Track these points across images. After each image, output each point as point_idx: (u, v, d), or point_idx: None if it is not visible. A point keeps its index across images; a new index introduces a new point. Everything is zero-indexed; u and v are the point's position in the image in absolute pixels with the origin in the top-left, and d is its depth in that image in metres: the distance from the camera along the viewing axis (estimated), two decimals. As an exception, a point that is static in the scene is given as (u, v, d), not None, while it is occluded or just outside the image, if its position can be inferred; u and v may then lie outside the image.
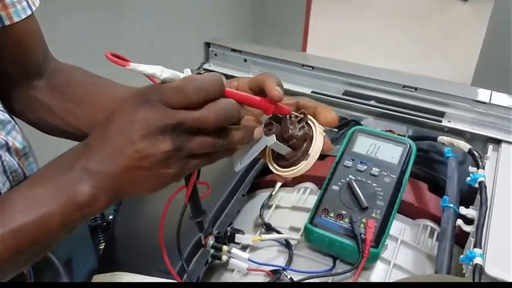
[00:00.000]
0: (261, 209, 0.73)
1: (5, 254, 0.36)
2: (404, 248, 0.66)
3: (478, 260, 0.49)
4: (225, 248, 0.62)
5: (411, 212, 0.70)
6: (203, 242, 0.60)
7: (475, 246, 0.51)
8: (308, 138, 0.42)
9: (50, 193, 0.37)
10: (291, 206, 0.73)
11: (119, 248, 0.60)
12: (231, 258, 0.62)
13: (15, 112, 0.59)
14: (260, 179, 0.84)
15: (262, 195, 0.79)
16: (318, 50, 2.34)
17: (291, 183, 0.78)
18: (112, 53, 0.35)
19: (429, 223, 0.69)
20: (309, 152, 0.42)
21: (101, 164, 0.36)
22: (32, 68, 0.58)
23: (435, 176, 0.76)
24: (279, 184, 0.77)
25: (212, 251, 0.61)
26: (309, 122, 0.43)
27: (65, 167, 0.38)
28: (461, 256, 0.52)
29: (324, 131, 0.43)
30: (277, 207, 0.75)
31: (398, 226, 0.68)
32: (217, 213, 0.66)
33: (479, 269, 0.48)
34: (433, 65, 2.68)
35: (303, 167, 0.42)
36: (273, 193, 0.76)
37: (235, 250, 0.62)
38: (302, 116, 0.43)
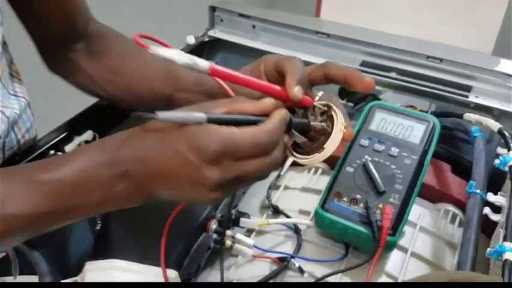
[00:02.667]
0: (268, 190, 0.68)
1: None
2: (423, 235, 0.61)
3: (508, 256, 0.43)
4: (228, 232, 0.58)
5: (432, 196, 0.65)
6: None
7: (505, 239, 0.45)
8: (327, 133, 0.41)
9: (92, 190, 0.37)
10: (300, 187, 0.69)
11: (114, 232, 0.56)
12: (235, 244, 0.58)
13: (54, 71, 0.61)
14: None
15: (273, 174, 0.75)
16: (333, 15, 2.22)
17: (301, 161, 0.73)
18: (140, 34, 0.37)
19: (451, 208, 0.64)
20: (324, 146, 0.41)
21: (162, 191, 0.38)
22: (73, 29, 0.58)
23: (459, 156, 0.71)
24: (288, 163, 0.71)
25: (215, 235, 0.57)
26: (332, 114, 0.42)
27: (113, 171, 0.37)
28: (489, 249, 0.46)
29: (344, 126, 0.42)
30: (285, 188, 0.70)
31: (417, 210, 0.63)
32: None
33: (509, 266, 0.43)
34: (455, 30, 2.53)
35: (315, 158, 0.41)
36: (282, 173, 0.71)
37: (239, 235, 0.58)
38: (326, 108, 0.42)
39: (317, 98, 0.44)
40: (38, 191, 0.36)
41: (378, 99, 0.76)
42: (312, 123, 0.41)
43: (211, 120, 0.35)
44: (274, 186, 0.70)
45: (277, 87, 0.39)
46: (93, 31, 0.60)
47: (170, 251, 0.52)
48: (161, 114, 0.34)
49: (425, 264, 0.58)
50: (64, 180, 0.36)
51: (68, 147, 0.60)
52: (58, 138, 0.60)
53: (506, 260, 0.44)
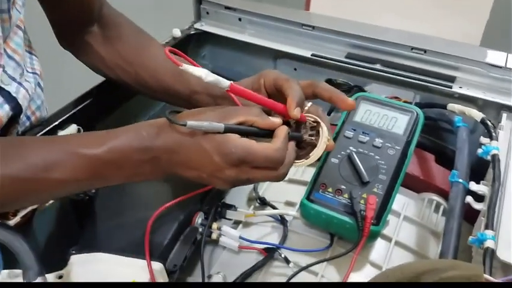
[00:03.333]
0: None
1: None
2: (407, 224, 0.62)
3: (489, 244, 0.44)
4: (215, 225, 0.58)
5: (416, 185, 0.66)
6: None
7: (486, 228, 0.46)
8: (313, 145, 0.48)
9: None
10: (287, 179, 0.69)
11: (99, 225, 0.56)
12: (222, 236, 0.58)
13: (66, 48, 0.66)
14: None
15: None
16: (324, 8, 2.20)
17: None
18: (170, 48, 0.43)
19: (435, 197, 0.65)
20: (310, 155, 0.48)
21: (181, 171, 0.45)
22: (89, 11, 0.62)
23: (443, 146, 0.71)
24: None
25: (201, 228, 0.57)
26: (319, 130, 0.49)
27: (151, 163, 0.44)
28: (471, 237, 0.47)
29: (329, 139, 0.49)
30: (272, 179, 0.70)
31: (401, 200, 0.64)
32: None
33: (490, 253, 0.43)
34: (445, 21, 2.51)
35: (302, 163, 0.48)
36: (269, 164, 0.71)
37: (225, 227, 0.58)
38: (315, 124, 0.49)
39: (306, 108, 0.50)
40: (80, 162, 0.43)
41: (363, 90, 0.77)
42: (303, 136, 0.48)
43: (227, 130, 0.42)
44: (261, 179, 0.70)
45: (281, 105, 0.47)
46: (106, 15, 0.64)
47: (156, 244, 0.52)
48: (190, 123, 0.41)
49: (409, 253, 0.59)
50: (104, 158, 0.43)
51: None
52: (42, 133, 0.60)
53: (487, 248, 0.45)
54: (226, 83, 0.43)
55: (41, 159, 0.42)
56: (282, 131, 0.45)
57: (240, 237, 0.58)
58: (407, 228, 0.61)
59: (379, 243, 0.59)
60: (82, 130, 0.63)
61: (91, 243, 0.55)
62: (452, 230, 0.49)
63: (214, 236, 0.58)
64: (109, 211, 0.59)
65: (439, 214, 0.63)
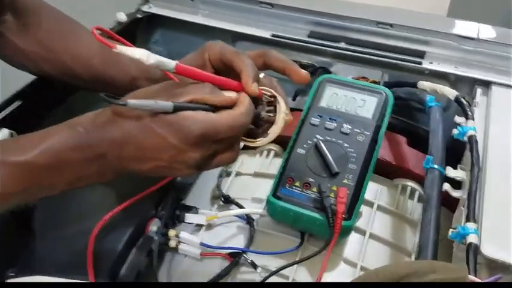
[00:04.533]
0: (218, 177, 0.63)
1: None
2: (381, 214, 0.58)
3: (472, 239, 0.40)
4: (172, 232, 0.52)
5: (388, 171, 0.61)
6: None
7: (467, 220, 0.42)
8: (271, 121, 0.45)
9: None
10: (253, 173, 0.63)
11: (40, 241, 0.49)
12: (181, 243, 0.53)
13: None
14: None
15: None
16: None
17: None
18: (99, 27, 0.38)
19: (409, 183, 0.60)
20: (269, 132, 0.44)
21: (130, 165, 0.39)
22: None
23: (415, 126, 0.67)
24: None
25: (156, 236, 0.51)
26: (277, 105, 0.45)
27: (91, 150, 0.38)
28: (451, 231, 0.43)
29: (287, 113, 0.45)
30: (237, 174, 0.65)
31: (374, 188, 0.60)
32: (162, 188, 0.55)
33: (474, 250, 0.39)
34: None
35: (261, 142, 0.45)
36: (232, 158, 0.65)
37: (184, 234, 0.52)
38: (272, 99, 0.45)
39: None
40: (9, 171, 0.36)
41: (329, 72, 0.72)
42: (261, 113, 0.44)
43: (177, 109, 0.37)
44: (225, 173, 0.64)
45: (235, 82, 0.43)
46: (20, 1, 0.56)
47: (105, 257, 0.47)
48: (131, 102, 0.35)
49: (384, 246, 0.55)
50: (35, 163, 0.37)
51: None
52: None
53: (470, 243, 0.40)
54: (171, 63, 0.38)
55: None
56: (245, 97, 0.41)
57: (201, 244, 0.52)
58: (381, 219, 0.57)
59: (353, 236, 0.55)
60: (15, 134, 0.56)
61: (30, 263, 0.48)
62: (430, 221, 0.45)
63: (172, 243, 0.53)
64: (51, 224, 0.52)
65: (414, 200, 0.59)
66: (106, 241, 0.47)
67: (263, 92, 0.45)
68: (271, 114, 0.45)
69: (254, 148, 0.68)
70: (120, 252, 0.48)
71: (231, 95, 0.41)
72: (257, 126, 0.45)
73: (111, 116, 0.38)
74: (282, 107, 0.44)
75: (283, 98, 0.45)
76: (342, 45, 0.69)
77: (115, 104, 0.36)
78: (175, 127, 0.37)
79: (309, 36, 0.72)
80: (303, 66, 0.72)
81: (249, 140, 0.45)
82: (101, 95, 0.35)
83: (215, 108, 0.39)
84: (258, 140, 0.45)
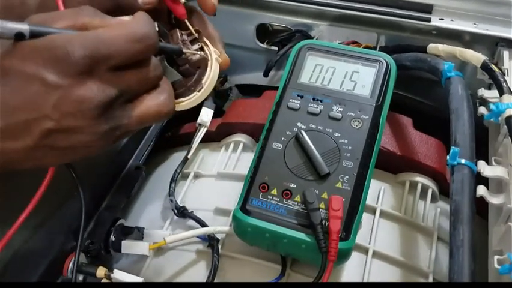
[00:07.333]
0: (171, 183, 0.48)
1: None
2: (386, 222, 0.44)
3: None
4: (101, 270, 0.37)
5: (391, 164, 0.48)
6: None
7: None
8: (202, 65, 0.37)
9: None
10: (216, 173, 0.49)
11: None
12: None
13: None
14: (174, 132, 0.59)
15: (177, 156, 0.54)
16: None
17: (215, 136, 0.53)
18: None
19: (419, 178, 0.47)
20: (203, 81, 0.37)
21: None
22: None
23: (423, 103, 0.53)
24: (197, 140, 0.50)
25: (79, 277, 0.37)
26: (203, 46, 0.38)
27: None
28: (496, 259, 0.30)
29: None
30: (196, 176, 0.50)
31: (375, 188, 0.46)
32: (89, 206, 0.40)
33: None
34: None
35: (194, 99, 0.37)
36: (189, 155, 0.50)
37: (118, 273, 0.37)
38: (196, 35, 0.38)
39: None
40: None
41: (310, 37, 0.57)
42: (185, 51, 0.36)
43: (35, 35, 0.27)
44: (180, 176, 0.49)
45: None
46: None
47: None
48: None
49: (392, 266, 0.41)
50: None
51: None
52: None
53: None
54: None
55: None
56: (141, 12, 0.31)
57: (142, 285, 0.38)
58: (386, 229, 0.44)
59: (352, 257, 0.41)
60: None
61: None
62: (463, 244, 0.31)
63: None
64: None
65: (427, 201, 0.46)
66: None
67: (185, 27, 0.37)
68: (201, 53, 0.37)
69: (217, 140, 0.53)
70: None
71: (124, 18, 0.31)
72: (185, 75, 0.36)
73: None
74: (210, 44, 0.37)
75: (213, 35, 0.38)
76: (328, 1, 0.54)
77: None
78: (46, 55, 0.27)
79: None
80: (275, 30, 0.58)
81: (177, 100, 0.36)
82: None
83: None
84: (189, 97, 0.36)
